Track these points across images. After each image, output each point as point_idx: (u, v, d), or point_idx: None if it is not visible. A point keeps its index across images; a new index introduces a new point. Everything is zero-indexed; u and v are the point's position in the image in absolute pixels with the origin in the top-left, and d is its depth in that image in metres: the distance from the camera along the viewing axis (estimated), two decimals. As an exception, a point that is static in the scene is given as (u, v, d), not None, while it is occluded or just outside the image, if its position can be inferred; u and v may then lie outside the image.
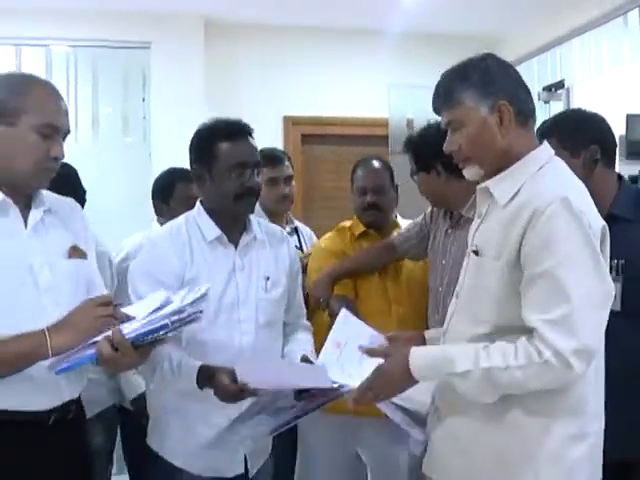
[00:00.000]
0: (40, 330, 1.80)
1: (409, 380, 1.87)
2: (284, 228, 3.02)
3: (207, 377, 2.11)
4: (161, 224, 3.03)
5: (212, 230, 2.32)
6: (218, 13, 5.00)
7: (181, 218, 2.41)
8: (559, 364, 1.68)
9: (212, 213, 2.35)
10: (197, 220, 2.35)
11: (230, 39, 5.22)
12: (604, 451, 1.89)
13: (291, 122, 5.26)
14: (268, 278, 2.35)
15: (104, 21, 4.83)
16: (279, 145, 4.64)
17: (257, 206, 3.12)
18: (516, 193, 1.82)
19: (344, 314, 2.24)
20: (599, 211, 1.87)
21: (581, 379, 1.76)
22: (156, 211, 3.24)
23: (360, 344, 2.06)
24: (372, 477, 3.01)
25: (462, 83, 1.87)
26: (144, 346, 1.83)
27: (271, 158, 3.27)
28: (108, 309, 1.86)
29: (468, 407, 1.89)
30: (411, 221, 2.95)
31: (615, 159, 2.43)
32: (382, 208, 2.95)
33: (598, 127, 2.42)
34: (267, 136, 5.14)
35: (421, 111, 5.27)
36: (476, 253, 1.90)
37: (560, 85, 4.90)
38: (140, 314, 1.87)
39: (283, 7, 4.93)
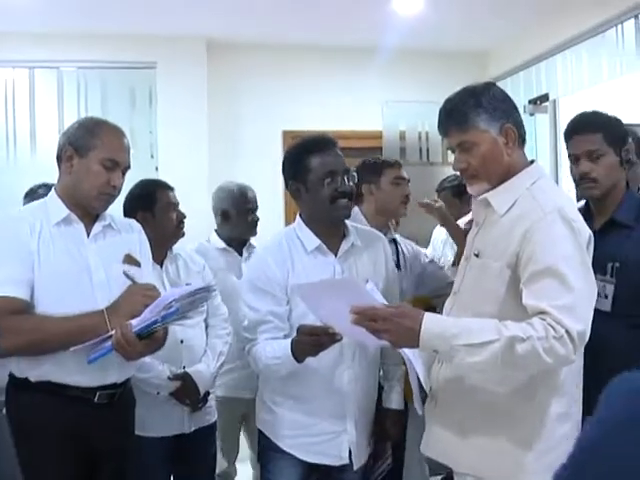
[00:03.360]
0: (100, 310, 2.17)
1: (413, 341, 1.90)
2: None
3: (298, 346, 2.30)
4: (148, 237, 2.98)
5: (312, 240, 2.50)
6: (219, 34, 5.20)
7: (281, 232, 2.60)
8: (570, 342, 1.82)
9: (311, 224, 2.52)
10: (297, 232, 2.53)
11: (231, 58, 5.41)
12: None
13: (290, 136, 5.31)
14: (367, 281, 2.40)
15: (111, 43, 5.04)
16: (279, 158, 4.61)
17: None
18: (513, 204, 2.04)
19: (371, 286, 2.28)
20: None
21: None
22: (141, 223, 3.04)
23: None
24: None
25: (476, 109, 2.05)
26: (148, 337, 2.15)
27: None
28: (153, 293, 2.23)
29: (467, 394, 2.05)
30: None
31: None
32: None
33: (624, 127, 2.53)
34: (267, 150, 5.36)
35: (412, 123, 5.60)
36: (477, 255, 2.10)
37: (545, 98, 5.00)
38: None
39: (281, 26, 5.12)
